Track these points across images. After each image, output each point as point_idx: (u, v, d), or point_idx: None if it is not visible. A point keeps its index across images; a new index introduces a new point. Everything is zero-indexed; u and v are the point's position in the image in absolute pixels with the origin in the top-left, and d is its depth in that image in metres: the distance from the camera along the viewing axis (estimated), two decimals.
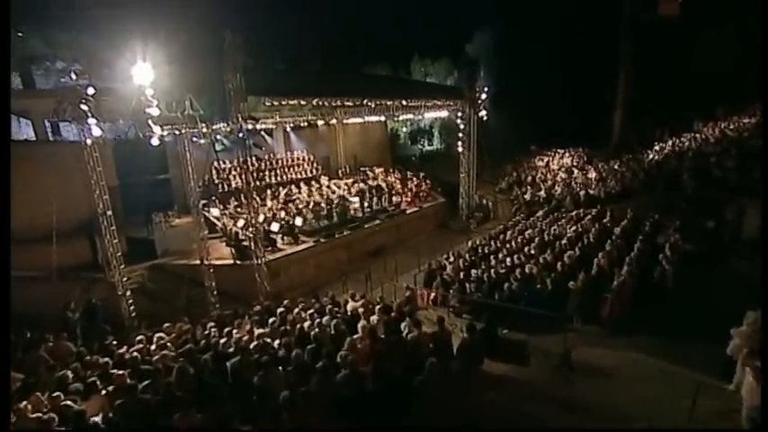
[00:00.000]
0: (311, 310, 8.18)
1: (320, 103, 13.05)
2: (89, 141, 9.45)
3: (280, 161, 20.96)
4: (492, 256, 11.43)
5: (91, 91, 9.05)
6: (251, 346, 6.60)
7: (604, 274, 9.30)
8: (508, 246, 12.19)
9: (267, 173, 19.69)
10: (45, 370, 6.84)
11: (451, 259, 11.96)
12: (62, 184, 12.68)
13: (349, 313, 8.03)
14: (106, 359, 6.22)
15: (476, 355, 5.91)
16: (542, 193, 19.84)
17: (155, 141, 9.59)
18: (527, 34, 30.62)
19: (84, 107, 9.09)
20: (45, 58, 18.14)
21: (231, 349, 6.62)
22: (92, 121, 9.20)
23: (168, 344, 7.51)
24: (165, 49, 9.07)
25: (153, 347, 7.35)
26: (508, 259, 10.78)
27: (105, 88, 9.24)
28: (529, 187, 21.20)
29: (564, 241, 11.81)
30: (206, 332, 7.54)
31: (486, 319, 6.87)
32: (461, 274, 10.33)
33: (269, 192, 17.95)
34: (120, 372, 5.58)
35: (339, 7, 29.01)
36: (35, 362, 7.51)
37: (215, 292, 11.42)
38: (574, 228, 13.03)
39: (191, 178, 11.07)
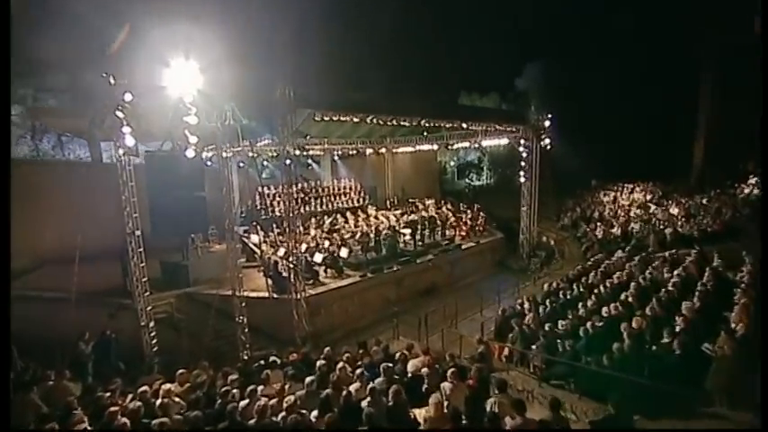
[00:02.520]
0: (359, 367, 6.14)
1: (374, 121, 11.56)
2: (121, 151, 8.30)
3: (326, 189, 19.67)
4: (580, 304, 8.98)
5: (128, 97, 7.96)
6: (280, 417, 4.66)
7: (752, 337, 6.68)
8: (596, 291, 9.68)
9: (312, 200, 18.37)
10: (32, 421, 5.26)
11: (527, 305, 9.60)
12: (99, 204, 11.83)
13: (409, 374, 5.93)
14: (83, 425, 4.47)
15: None
16: (616, 230, 17.03)
17: (190, 153, 8.30)
18: (585, 63, 28.58)
19: (119, 114, 7.99)
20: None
21: (253, 420, 4.70)
22: (126, 129, 8.06)
23: (176, 398, 5.72)
24: (206, 53, 7.93)
25: (158, 402, 5.57)
26: (604, 309, 8.30)
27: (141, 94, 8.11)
28: (598, 224, 18.42)
29: (670, 287, 9.20)
30: (225, 387, 5.68)
31: (618, 403, 4.54)
32: (546, 326, 7.96)
33: (313, 220, 16.51)
34: None
35: (385, 41, 28.25)
36: (24, 407, 5.93)
37: (246, 330, 9.67)
38: (677, 272, 10.32)
39: (227, 199, 9.65)
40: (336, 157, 20.84)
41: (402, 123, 12.40)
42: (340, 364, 6.31)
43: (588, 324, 7.58)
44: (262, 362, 7.61)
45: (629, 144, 27.15)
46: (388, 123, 11.88)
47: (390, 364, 6.14)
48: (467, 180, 34.69)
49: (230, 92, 8.50)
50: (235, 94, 8.59)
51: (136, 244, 9.10)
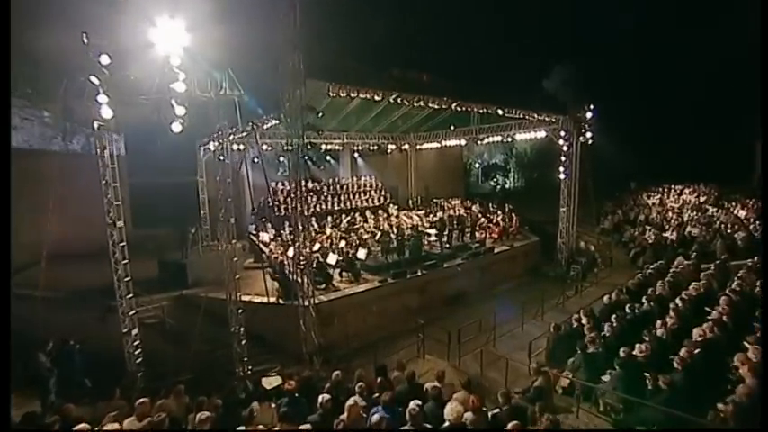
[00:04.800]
0: (377, 405, 4.35)
1: (399, 101, 9.82)
2: (96, 125, 6.82)
3: (344, 186, 18.02)
4: (659, 322, 6.91)
5: (105, 60, 6.50)
6: None
7: None
8: (673, 306, 7.57)
9: (330, 198, 16.75)
10: None
11: (585, 321, 7.58)
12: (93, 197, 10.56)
13: (447, 421, 4.09)
14: None
15: None
16: (670, 234, 14.72)
17: (176, 127, 6.77)
18: (621, 61, 26.08)
19: (94, 80, 6.53)
20: None
21: None
22: (102, 98, 6.60)
23: None
24: (195, 7, 6.40)
25: None
26: (696, 332, 6.22)
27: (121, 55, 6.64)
28: (647, 227, 16.11)
29: None
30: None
31: None
32: (621, 351, 5.93)
33: (329, 219, 14.87)
34: None
35: (407, 45, 26.23)
36: None
37: (243, 341, 8.02)
38: None
39: (224, 188, 8.08)
40: (356, 154, 19.23)
41: (430, 105, 10.61)
42: (350, 401, 4.52)
43: (683, 351, 5.54)
44: (250, 386, 5.93)
45: (672, 144, 24.60)
46: (415, 104, 10.13)
47: (419, 404, 4.32)
48: (492, 182, 32.46)
49: (225, 56, 6.94)
50: (231, 60, 7.03)
51: (118, 237, 7.60)
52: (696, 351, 5.69)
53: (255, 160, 17.88)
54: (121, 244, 7.65)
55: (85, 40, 6.50)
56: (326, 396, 4.59)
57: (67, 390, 6.43)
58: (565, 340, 7.05)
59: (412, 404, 4.20)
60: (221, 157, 15.51)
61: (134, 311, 7.89)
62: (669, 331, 6.70)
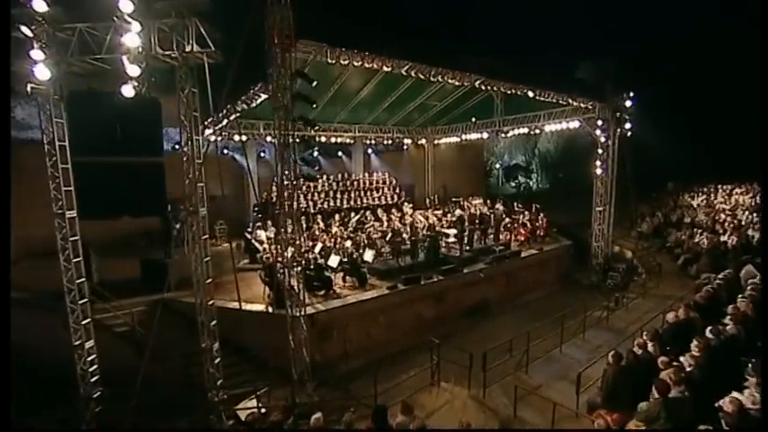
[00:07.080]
0: None
1: (413, 74, 8.07)
2: (29, 88, 5.36)
3: (356, 183, 16.35)
4: None
5: (40, 6, 5.04)
6: None
7: None
8: None
9: (339, 194, 15.14)
10: None
11: (651, 347, 5.63)
12: None
13: None
14: None
15: None
16: (729, 239, 12.41)
17: (128, 91, 5.23)
18: (657, 57, 23.63)
19: (26, 30, 5.09)
20: None
21: None
22: (36, 54, 5.14)
23: None
24: None
25: None
26: None
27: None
28: (696, 231, 13.81)
29: None
30: None
31: None
32: (729, 403, 3.98)
33: (336, 216, 13.25)
34: None
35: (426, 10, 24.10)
36: None
37: (217, 360, 6.40)
38: None
39: (189, 170, 6.48)
40: (370, 150, 17.58)
41: (450, 81, 8.83)
42: None
43: None
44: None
45: (717, 140, 21.98)
46: (432, 78, 8.36)
47: None
48: (513, 183, 30.24)
49: (193, 4, 5.40)
50: (200, 9, 5.47)
51: (69, 229, 6.14)
52: None
53: (262, 155, 16.52)
54: (73, 238, 6.19)
55: None
56: None
57: None
58: (629, 375, 5.11)
59: None
60: (225, 151, 14.12)
61: (88, 320, 6.41)
62: None
